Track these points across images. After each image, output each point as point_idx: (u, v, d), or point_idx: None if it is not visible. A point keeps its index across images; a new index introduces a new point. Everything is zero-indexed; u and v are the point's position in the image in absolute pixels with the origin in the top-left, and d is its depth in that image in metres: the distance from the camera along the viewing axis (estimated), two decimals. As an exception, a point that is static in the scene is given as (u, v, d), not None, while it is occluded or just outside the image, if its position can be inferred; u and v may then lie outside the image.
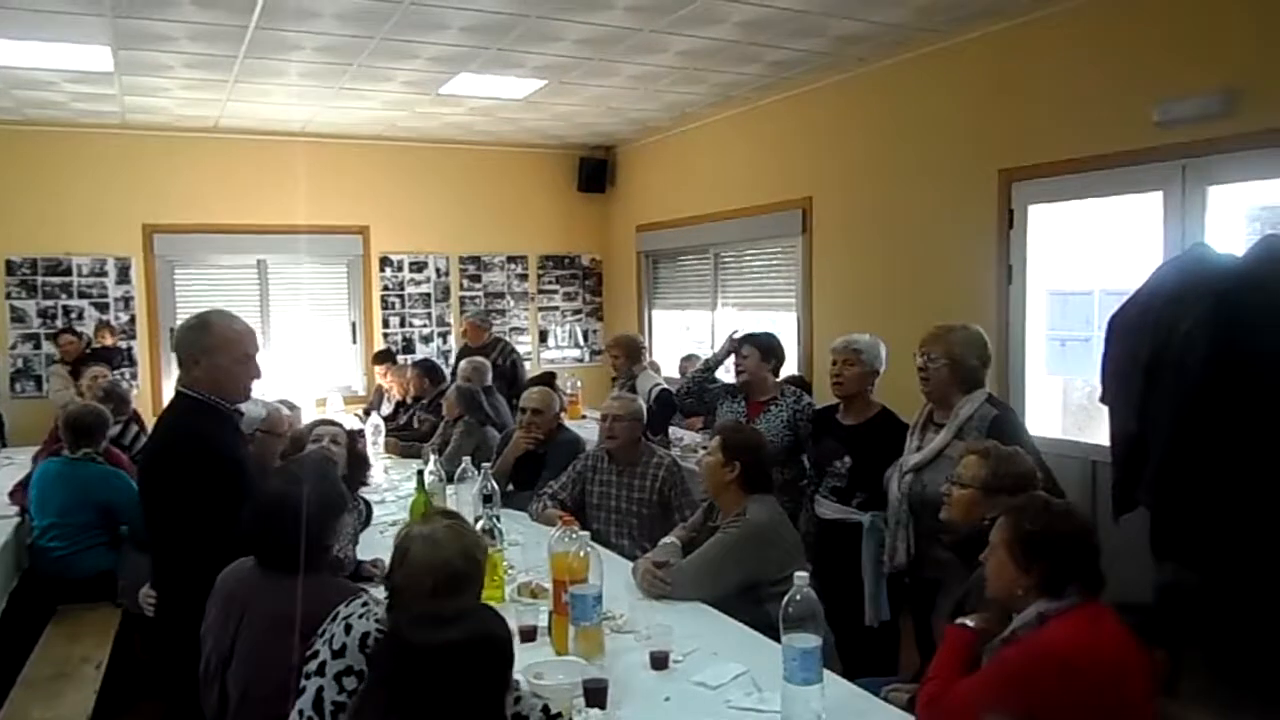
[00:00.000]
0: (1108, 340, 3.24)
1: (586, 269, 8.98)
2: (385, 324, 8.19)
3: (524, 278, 8.71)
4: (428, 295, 8.34)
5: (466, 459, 3.70)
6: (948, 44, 5.04)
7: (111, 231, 7.17)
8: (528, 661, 2.17)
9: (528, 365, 7.60)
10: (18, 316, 7.00)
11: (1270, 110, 3.61)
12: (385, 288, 8.18)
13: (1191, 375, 2.79)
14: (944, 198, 5.13)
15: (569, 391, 6.73)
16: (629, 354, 6.01)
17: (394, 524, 3.52)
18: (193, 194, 7.34)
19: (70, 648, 3.76)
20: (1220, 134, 3.77)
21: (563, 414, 4.57)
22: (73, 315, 7.12)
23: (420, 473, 3.68)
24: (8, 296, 6.97)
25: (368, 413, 6.59)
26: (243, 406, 2.73)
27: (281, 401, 4.22)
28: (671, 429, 5.68)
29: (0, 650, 3.74)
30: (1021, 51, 4.66)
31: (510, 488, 4.17)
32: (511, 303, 8.65)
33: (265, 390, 4.22)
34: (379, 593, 2.11)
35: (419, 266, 8.28)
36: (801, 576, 2.00)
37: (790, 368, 5.21)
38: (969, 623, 2.15)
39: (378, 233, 8.07)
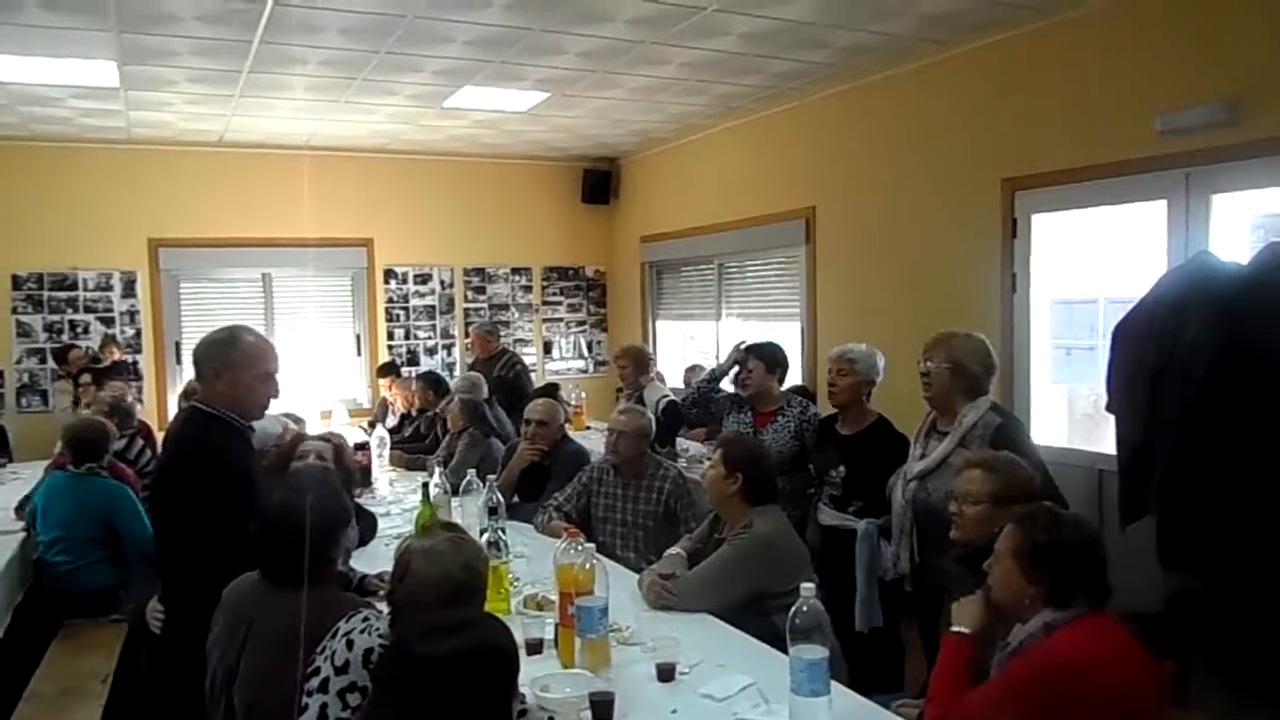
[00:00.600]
0: (1113, 349, 3.23)
1: (591, 280, 8.99)
2: (390, 336, 8.19)
3: (528, 289, 8.71)
4: (432, 307, 8.35)
5: (471, 471, 3.69)
6: (950, 54, 5.04)
7: (117, 246, 7.19)
8: (534, 674, 2.17)
9: (533, 377, 7.60)
10: (24, 331, 7.01)
11: (1274, 119, 3.60)
12: (390, 300, 8.18)
13: (1197, 383, 2.78)
14: (947, 207, 5.13)
15: (573, 403, 6.73)
16: (637, 365, 5.99)
17: (398, 536, 3.50)
18: (198, 208, 7.36)
19: (76, 662, 3.74)
20: (1224, 143, 3.77)
21: (567, 425, 4.56)
22: (78, 329, 7.13)
23: (425, 485, 3.68)
24: (14, 311, 6.98)
25: (373, 425, 6.58)
26: (258, 424, 2.73)
27: (286, 415, 4.22)
28: (677, 440, 5.67)
29: (6, 665, 3.73)
30: (1024, 61, 4.67)
31: (515, 499, 4.16)
32: (516, 314, 8.66)
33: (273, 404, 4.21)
34: (384, 606, 2.10)
35: (423, 279, 8.29)
36: (808, 588, 2.00)
37: (794, 377, 5.21)
38: (964, 629, 2.14)
39: (382, 245, 8.08)
